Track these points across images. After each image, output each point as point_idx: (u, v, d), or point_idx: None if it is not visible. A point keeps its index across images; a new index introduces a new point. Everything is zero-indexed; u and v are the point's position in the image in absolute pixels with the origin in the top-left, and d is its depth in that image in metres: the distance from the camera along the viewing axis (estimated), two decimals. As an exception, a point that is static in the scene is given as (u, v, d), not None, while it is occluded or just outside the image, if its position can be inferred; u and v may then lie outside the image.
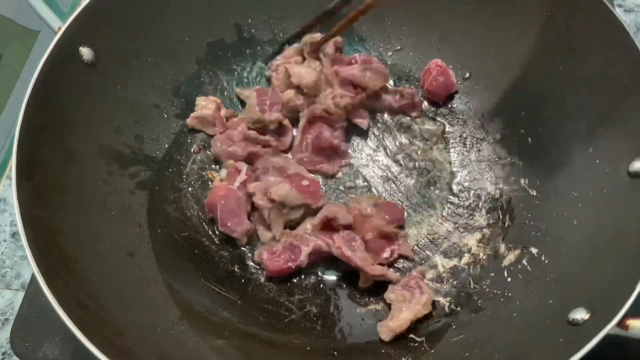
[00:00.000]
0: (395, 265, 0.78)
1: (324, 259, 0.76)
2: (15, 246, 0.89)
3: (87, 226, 0.69)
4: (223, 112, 0.87)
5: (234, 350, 0.68)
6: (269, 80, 0.90)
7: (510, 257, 0.74)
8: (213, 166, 0.86)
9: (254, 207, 0.79)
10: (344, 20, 0.82)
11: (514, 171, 0.81)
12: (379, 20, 0.92)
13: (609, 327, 0.53)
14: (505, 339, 0.65)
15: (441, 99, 0.89)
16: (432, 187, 0.84)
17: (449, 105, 0.89)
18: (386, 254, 0.76)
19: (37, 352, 0.77)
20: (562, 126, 0.76)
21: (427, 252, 0.78)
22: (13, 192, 0.61)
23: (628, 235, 0.61)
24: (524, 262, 0.73)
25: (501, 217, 0.79)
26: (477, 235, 0.78)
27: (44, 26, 0.74)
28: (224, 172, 0.84)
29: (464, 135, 0.87)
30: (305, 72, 0.83)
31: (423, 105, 0.90)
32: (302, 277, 0.77)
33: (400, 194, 0.84)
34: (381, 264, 0.75)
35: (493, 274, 0.74)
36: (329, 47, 0.87)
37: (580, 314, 0.58)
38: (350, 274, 0.76)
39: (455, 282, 0.75)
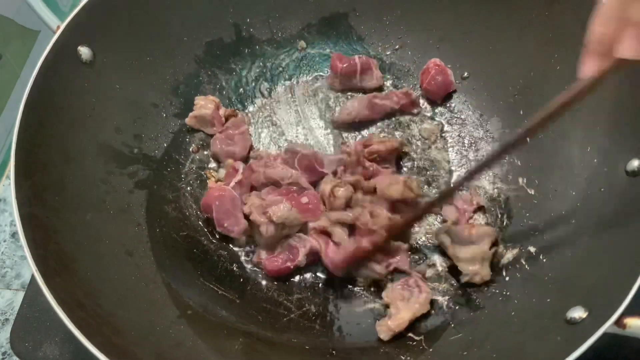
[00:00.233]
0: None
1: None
2: (15, 246, 0.89)
3: (85, 225, 0.69)
4: (222, 111, 0.87)
5: (232, 349, 0.68)
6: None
7: (509, 256, 0.75)
8: (212, 165, 0.86)
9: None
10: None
11: (512, 170, 0.81)
12: (377, 20, 0.92)
13: (607, 326, 0.53)
14: (503, 338, 0.65)
15: (440, 98, 0.89)
16: (430, 186, 0.84)
17: (448, 105, 0.89)
18: (380, 268, 0.75)
19: (37, 352, 0.77)
20: (560, 125, 0.76)
21: (426, 251, 0.78)
22: (12, 192, 0.62)
23: (625, 233, 0.61)
24: (522, 261, 0.73)
25: (499, 216, 0.79)
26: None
27: (43, 26, 0.74)
28: (222, 172, 0.84)
29: (463, 134, 0.87)
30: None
31: (422, 105, 0.90)
32: (301, 276, 0.77)
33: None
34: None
35: (491, 273, 0.74)
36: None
37: (578, 313, 0.58)
38: (349, 273, 0.76)
39: (453, 281, 0.75)
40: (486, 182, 0.82)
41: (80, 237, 0.67)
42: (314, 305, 0.75)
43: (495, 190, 0.81)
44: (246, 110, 0.91)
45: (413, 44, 0.92)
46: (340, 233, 0.75)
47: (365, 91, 0.90)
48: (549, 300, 0.65)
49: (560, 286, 0.65)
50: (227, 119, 0.87)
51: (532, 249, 0.73)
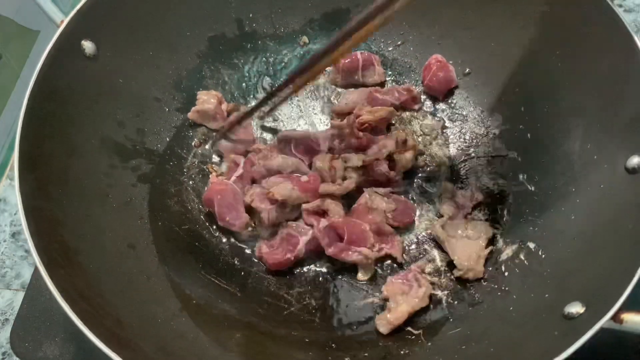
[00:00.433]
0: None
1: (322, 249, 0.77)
2: (15, 246, 0.90)
3: (88, 218, 0.69)
4: (224, 106, 0.88)
5: (233, 341, 0.69)
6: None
7: (508, 252, 0.75)
8: (215, 159, 0.87)
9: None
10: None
11: (513, 166, 0.81)
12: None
13: (604, 321, 0.54)
14: (501, 333, 0.66)
15: (441, 94, 0.89)
16: (431, 182, 0.84)
17: (449, 101, 0.90)
18: (370, 252, 0.75)
19: (37, 352, 0.77)
20: (561, 122, 0.76)
21: (426, 247, 0.79)
22: (15, 184, 0.62)
23: (624, 230, 0.62)
24: (522, 256, 0.73)
25: (499, 211, 0.79)
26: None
27: (43, 26, 0.75)
28: (224, 166, 0.84)
29: (464, 130, 0.87)
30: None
31: (423, 101, 0.90)
32: (302, 270, 0.78)
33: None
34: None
35: (490, 268, 0.75)
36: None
37: (576, 308, 0.58)
38: (348, 267, 0.77)
39: (452, 276, 0.75)
40: (487, 178, 0.82)
41: (84, 229, 0.68)
42: (314, 298, 0.75)
43: (496, 186, 0.81)
44: (248, 105, 0.91)
45: (415, 40, 0.92)
46: (335, 208, 0.75)
47: (367, 87, 0.91)
48: (547, 295, 0.65)
49: (559, 281, 0.66)
50: (229, 114, 0.88)
51: (531, 245, 0.73)
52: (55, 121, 0.70)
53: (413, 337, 0.70)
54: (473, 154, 0.85)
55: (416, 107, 0.89)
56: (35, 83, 0.67)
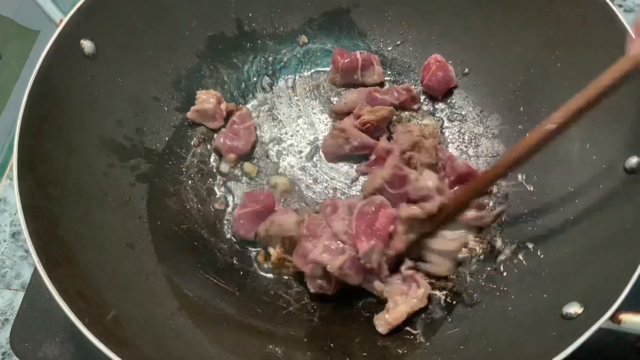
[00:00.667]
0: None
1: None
2: (15, 246, 0.90)
3: (87, 218, 0.69)
4: (223, 105, 0.88)
5: (231, 341, 0.69)
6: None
7: (507, 252, 0.75)
8: (213, 161, 0.86)
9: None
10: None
11: (512, 166, 0.81)
12: (379, 15, 0.92)
13: (602, 321, 0.54)
14: (500, 332, 0.66)
15: (440, 94, 0.89)
16: (430, 182, 0.84)
17: (448, 101, 0.90)
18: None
19: (37, 352, 0.77)
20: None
21: (425, 246, 0.79)
22: (14, 184, 0.62)
23: (623, 230, 0.62)
24: (520, 256, 0.73)
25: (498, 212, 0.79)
26: (474, 230, 0.79)
27: (43, 26, 0.75)
28: (223, 165, 0.85)
29: (463, 130, 0.87)
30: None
31: (422, 101, 0.90)
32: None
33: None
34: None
35: (489, 269, 0.75)
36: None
37: (574, 308, 0.58)
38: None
39: (451, 276, 0.75)
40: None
41: (82, 229, 0.68)
42: (313, 298, 0.75)
43: (495, 186, 0.81)
44: (248, 105, 0.91)
45: (414, 39, 0.92)
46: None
47: (366, 87, 0.90)
48: (545, 295, 0.65)
49: (557, 282, 0.66)
50: (228, 114, 0.88)
51: (529, 245, 0.73)
52: (54, 121, 0.70)
53: (412, 337, 0.70)
54: (472, 154, 0.85)
55: (415, 106, 0.89)
56: (34, 83, 0.67)
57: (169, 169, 0.83)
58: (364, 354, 0.70)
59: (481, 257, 0.76)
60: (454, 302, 0.73)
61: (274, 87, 0.93)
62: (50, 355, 0.77)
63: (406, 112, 0.89)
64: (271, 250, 0.76)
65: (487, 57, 0.86)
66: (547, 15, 0.78)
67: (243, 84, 0.92)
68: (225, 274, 0.77)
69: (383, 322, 0.71)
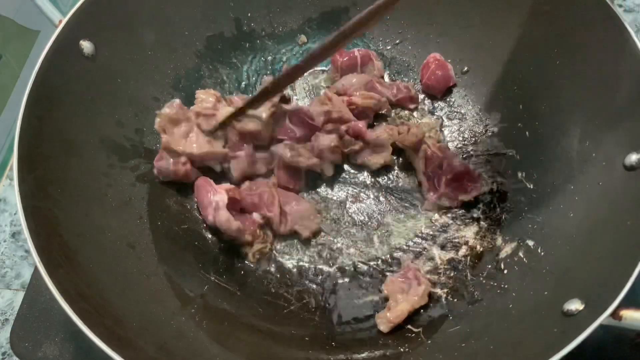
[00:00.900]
0: (393, 256, 0.78)
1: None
2: (15, 246, 0.90)
3: (88, 218, 0.69)
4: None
5: (232, 340, 0.69)
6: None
7: (507, 250, 0.75)
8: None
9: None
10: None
11: (511, 164, 0.81)
12: (378, 14, 0.92)
13: (603, 318, 0.54)
14: (501, 330, 0.66)
15: (439, 93, 0.89)
16: (430, 180, 0.84)
17: (447, 99, 0.90)
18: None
19: (37, 352, 0.77)
20: (559, 120, 0.76)
21: (425, 245, 0.79)
22: (15, 184, 0.62)
23: (623, 227, 0.62)
24: (521, 254, 0.73)
25: (498, 209, 0.80)
26: (474, 228, 0.79)
27: (43, 26, 0.75)
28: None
29: (462, 128, 0.87)
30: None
31: (421, 99, 0.90)
32: (302, 268, 0.78)
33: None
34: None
35: (490, 266, 0.75)
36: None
37: (575, 305, 0.59)
38: (348, 266, 0.77)
39: (452, 274, 0.76)
40: (485, 176, 0.82)
41: (83, 229, 0.68)
42: (314, 297, 0.76)
43: (495, 184, 0.82)
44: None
45: (413, 38, 0.92)
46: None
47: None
48: (546, 292, 0.66)
49: (558, 279, 0.66)
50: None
51: (530, 242, 0.73)
52: (54, 121, 0.70)
53: (413, 335, 0.71)
54: (472, 152, 0.85)
55: (412, 106, 0.89)
56: (33, 83, 0.67)
57: (169, 169, 0.83)
58: (365, 352, 0.70)
59: (482, 254, 0.76)
60: (455, 300, 0.73)
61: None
62: (50, 355, 0.77)
63: (405, 111, 0.89)
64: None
65: (486, 55, 0.86)
66: (547, 13, 0.78)
67: (242, 83, 0.92)
68: (226, 273, 0.77)
69: (384, 320, 0.71)
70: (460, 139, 0.87)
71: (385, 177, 0.85)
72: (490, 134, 0.86)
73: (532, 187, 0.78)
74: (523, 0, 0.80)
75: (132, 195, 0.77)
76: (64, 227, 0.65)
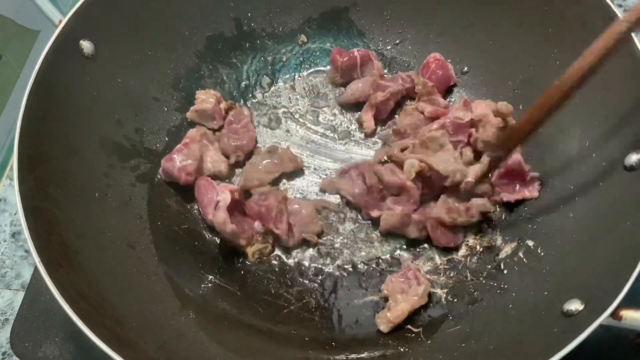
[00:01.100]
0: (393, 256, 0.78)
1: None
2: (15, 246, 0.89)
3: (88, 218, 0.70)
4: (223, 105, 0.88)
5: (233, 340, 0.69)
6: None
7: (507, 250, 0.75)
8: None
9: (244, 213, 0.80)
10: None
11: (511, 164, 0.81)
12: (378, 14, 0.92)
13: (603, 318, 0.54)
14: (500, 330, 0.66)
15: (439, 93, 0.89)
16: (430, 180, 0.84)
17: (447, 99, 0.90)
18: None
19: (37, 352, 0.77)
20: (559, 120, 0.76)
21: (425, 245, 0.79)
22: (15, 184, 0.62)
23: (622, 227, 0.62)
24: (520, 254, 0.73)
25: (498, 210, 0.80)
26: (474, 228, 0.79)
27: (43, 26, 0.75)
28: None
29: (462, 128, 0.87)
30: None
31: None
32: (302, 268, 0.78)
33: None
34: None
35: (490, 266, 0.75)
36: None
37: (575, 305, 0.59)
38: (348, 266, 0.77)
39: (452, 274, 0.76)
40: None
41: (83, 229, 0.68)
42: (314, 297, 0.76)
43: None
44: (247, 104, 0.91)
45: (413, 38, 0.92)
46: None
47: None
48: (546, 292, 0.66)
49: (558, 279, 0.66)
50: (226, 112, 0.88)
51: (530, 243, 0.73)
52: (54, 121, 0.70)
53: (413, 335, 0.71)
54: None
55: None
56: (33, 83, 0.67)
57: (169, 169, 0.83)
58: (365, 352, 0.70)
59: (482, 255, 0.76)
60: (455, 300, 0.73)
61: (273, 87, 0.93)
62: (50, 355, 0.77)
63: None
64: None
65: (486, 55, 0.87)
66: (547, 14, 0.78)
67: (242, 83, 0.92)
68: (226, 273, 0.77)
69: (384, 320, 0.71)
70: (460, 139, 0.87)
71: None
72: (490, 134, 0.86)
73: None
74: (523, 0, 0.80)
75: (132, 195, 0.77)
76: (64, 227, 0.65)
